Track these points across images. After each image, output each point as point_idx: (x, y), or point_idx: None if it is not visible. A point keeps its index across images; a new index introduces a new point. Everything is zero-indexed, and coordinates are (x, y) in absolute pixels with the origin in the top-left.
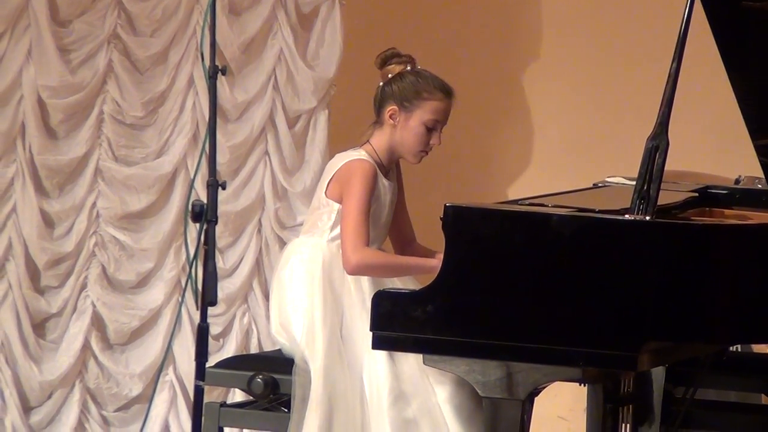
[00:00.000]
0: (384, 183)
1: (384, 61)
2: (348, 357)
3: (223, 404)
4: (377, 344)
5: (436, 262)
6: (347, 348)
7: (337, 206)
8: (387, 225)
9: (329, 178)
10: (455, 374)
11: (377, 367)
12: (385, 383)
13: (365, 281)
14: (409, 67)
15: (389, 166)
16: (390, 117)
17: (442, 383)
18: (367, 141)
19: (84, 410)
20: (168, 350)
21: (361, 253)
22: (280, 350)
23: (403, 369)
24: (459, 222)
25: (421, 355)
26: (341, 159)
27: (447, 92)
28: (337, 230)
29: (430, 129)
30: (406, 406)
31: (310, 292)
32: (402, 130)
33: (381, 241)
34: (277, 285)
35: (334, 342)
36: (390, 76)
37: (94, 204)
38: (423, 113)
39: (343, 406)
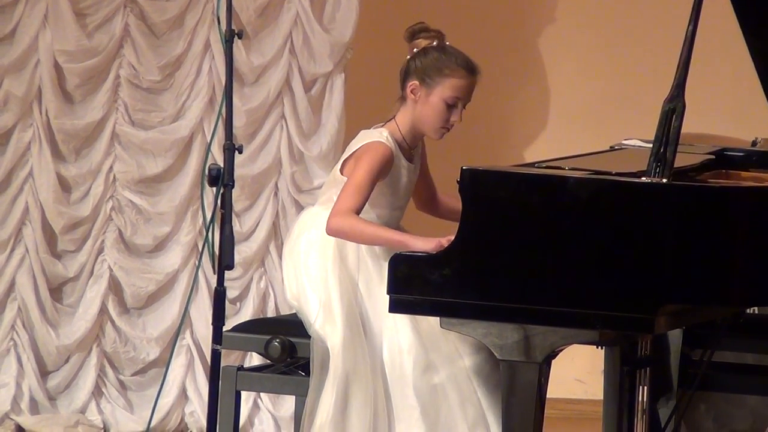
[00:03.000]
0: (403, 164)
1: (412, 34)
2: (367, 329)
3: (240, 368)
4: (394, 307)
5: (422, 243)
6: (366, 320)
7: None
8: (402, 207)
9: (348, 155)
10: (473, 337)
11: (400, 337)
12: (410, 353)
13: (380, 252)
14: (435, 43)
15: (413, 145)
16: (411, 92)
17: (468, 353)
18: (393, 117)
19: (101, 374)
20: (185, 314)
21: (338, 217)
22: (296, 314)
23: (428, 337)
24: (476, 185)
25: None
26: (363, 138)
27: (470, 70)
28: None
29: (451, 105)
30: (434, 375)
31: (323, 268)
32: (422, 105)
33: (397, 221)
34: (291, 255)
35: (351, 317)
36: (415, 50)
37: (110, 168)
38: (443, 89)
39: (362, 380)
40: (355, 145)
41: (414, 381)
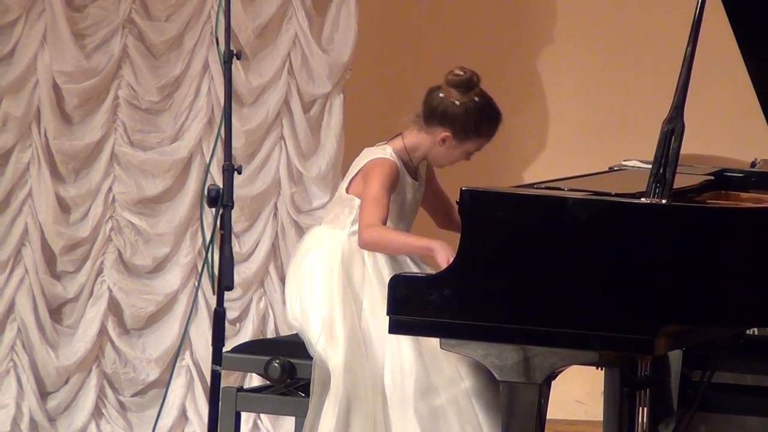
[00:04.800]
0: (408, 181)
1: (469, 87)
2: (369, 350)
3: (240, 389)
4: (394, 328)
5: (443, 252)
6: (368, 341)
7: (357, 201)
8: (409, 223)
9: (354, 173)
10: (472, 358)
11: (402, 358)
12: (412, 375)
13: (386, 274)
14: (477, 99)
15: (417, 164)
16: (441, 140)
17: (469, 375)
18: (400, 135)
19: (101, 395)
20: (184, 335)
21: (369, 229)
22: (296, 334)
23: (430, 359)
24: (475, 206)
25: None
26: (368, 155)
27: (498, 125)
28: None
29: (470, 155)
30: (435, 397)
31: (328, 288)
32: (446, 150)
33: None
34: (296, 274)
35: (354, 338)
36: (463, 100)
37: (110, 189)
38: (472, 145)
39: (363, 402)
40: (359, 162)
41: (415, 403)
